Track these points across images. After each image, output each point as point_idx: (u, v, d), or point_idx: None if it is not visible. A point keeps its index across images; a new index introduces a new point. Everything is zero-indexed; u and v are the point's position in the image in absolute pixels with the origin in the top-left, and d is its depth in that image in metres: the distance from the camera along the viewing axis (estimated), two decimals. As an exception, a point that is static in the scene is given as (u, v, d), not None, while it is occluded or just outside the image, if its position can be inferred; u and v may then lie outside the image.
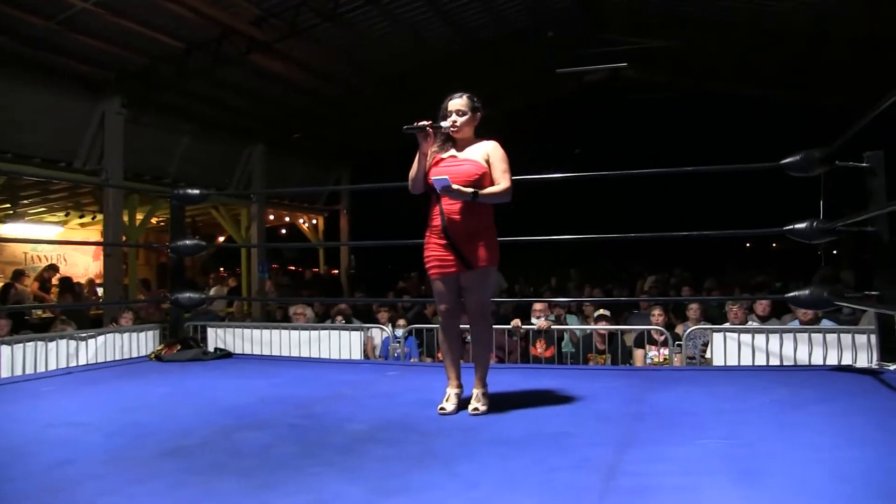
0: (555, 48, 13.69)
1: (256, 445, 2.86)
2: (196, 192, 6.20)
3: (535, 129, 18.16)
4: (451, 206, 3.42)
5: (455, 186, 3.31)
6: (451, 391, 3.54)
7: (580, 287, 14.03)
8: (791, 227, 4.57)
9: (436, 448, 2.76)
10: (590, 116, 18.32)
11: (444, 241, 3.45)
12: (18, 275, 14.61)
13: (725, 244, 18.36)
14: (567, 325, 7.63)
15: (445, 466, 2.49)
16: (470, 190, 3.33)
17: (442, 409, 3.43)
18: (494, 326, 6.86)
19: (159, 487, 2.32)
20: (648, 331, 6.67)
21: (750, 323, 6.85)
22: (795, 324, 6.42)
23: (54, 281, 13.51)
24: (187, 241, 6.10)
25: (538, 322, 6.79)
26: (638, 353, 6.72)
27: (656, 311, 7.03)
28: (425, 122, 3.45)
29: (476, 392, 3.50)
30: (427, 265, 3.55)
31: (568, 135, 18.78)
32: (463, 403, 3.48)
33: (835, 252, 15.66)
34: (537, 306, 7.01)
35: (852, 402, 3.53)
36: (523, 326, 6.86)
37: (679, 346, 6.39)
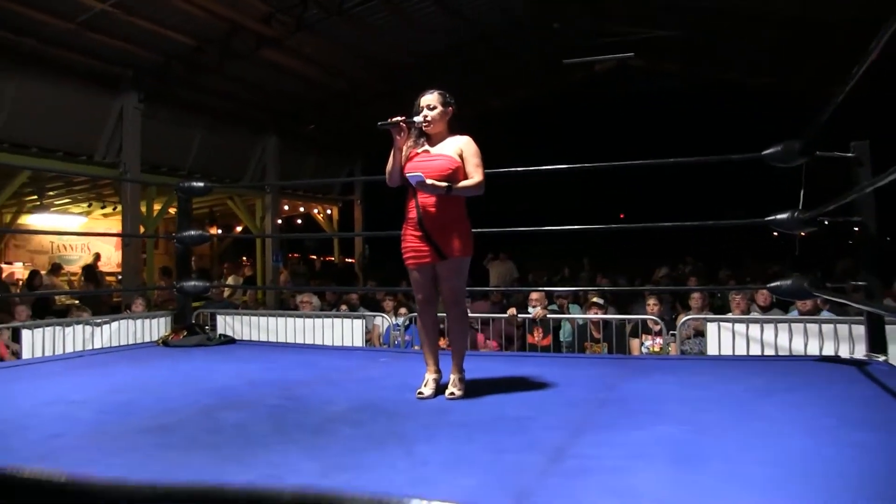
0: (560, 39, 13.74)
1: (233, 424, 3.01)
2: (200, 184, 6.37)
3: (540, 120, 18.21)
4: (426, 199, 3.54)
5: (429, 181, 3.42)
6: (430, 376, 3.68)
7: (592, 277, 14.08)
8: (772, 217, 4.64)
9: (401, 429, 2.89)
10: (597, 107, 18.28)
11: (419, 233, 3.58)
12: (57, 268, 15.09)
13: (744, 234, 18.24)
14: (570, 314, 7.73)
15: (403, 446, 2.62)
16: (444, 184, 3.45)
17: (420, 393, 3.57)
18: (497, 315, 7.06)
19: (135, 458, 2.48)
20: (644, 320, 6.75)
21: (752, 313, 6.90)
22: (795, 314, 6.47)
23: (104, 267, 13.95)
24: (192, 232, 6.28)
25: (534, 311, 6.90)
26: (634, 342, 6.80)
27: (651, 301, 7.10)
28: (399, 118, 3.57)
29: (453, 377, 3.64)
30: (404, 256, 3.69)
31: (574, 125, 18.76)
32: (441, 388, 3.61)
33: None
34: (534, 295, 7.11)
35: (821, 391, 3.60)
36: (520, 315, 6.97)
37: (673, 335, 6.46)
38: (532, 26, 13.46)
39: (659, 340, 6.58)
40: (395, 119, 3.57)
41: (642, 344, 6.74)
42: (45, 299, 10.67)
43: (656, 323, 6.63)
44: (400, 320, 7.46)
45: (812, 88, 14.33)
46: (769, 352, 5.42)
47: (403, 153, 3.65)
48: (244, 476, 2.26)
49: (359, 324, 6.83)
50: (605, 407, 3.31)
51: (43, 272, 13.67)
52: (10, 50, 10.45)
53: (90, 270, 13.61)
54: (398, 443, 2.68)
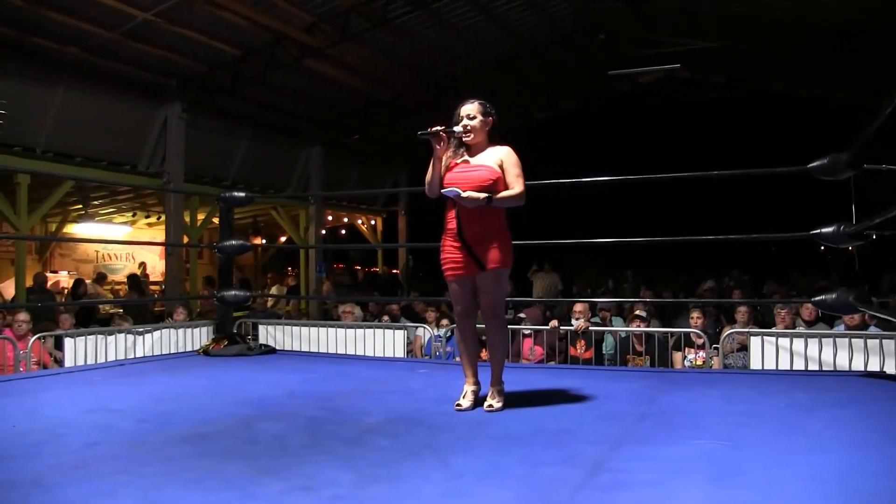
0: (606, 50, 13.67)
1: (270, 434, 3.04)
2: (242, 194, 6.44)
3: (584, 132, 18.10)
4: (465, 210, 3.52)
5: (466, 194, 3.42)
6: (468, 388, 3.66)
7: (635, 290, 13.93)
8: (818, 231, 4.54)
9: (437, 441, 2.89)
10: (642, 118, 18.10)
11: (458, 244, 3.57)
12: (102, 278, 15.45)
13: (790, 248, 17.88)
14: (613, 326, 7.66)
15: (439, 458, 2.62)
16: (483, 195, 3.43)
17: (458, 405, 3.55)
18: (540, 327, 7.02)
19: (170, 468, 2.51)
20: (688, 333, 6.65)
21: (798, 328, 6.77)
22: (842, 328, 6.33)
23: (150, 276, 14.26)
24: (233, 242, 6.35)
25: (576, 323, 6.85)
26: (676, 355, 6.70)
27: (694, 314, 7.00)
28: (439, 127, 3.57)
29: (492, 389, 3.61)
30: (443, 267, 3.68)
31: (618, 137, 18.59)
32: (480, 400, 3.59)
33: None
34: (577, 307, 7.05)
35: (866, 407, 3.52)
36: (563, 327, 6.92)
37: (716, 349, 6.36)
38: (578, 38, 13.40)
39: (702, 354, 6.48)
40: (434, 128, 3.58)
41: (685, 357, 6.64)
42: (89, 308, 10.90)
43: (699, 336, 6.53)
44: (441, 331, 7.45)
45: (859, 100, 14.05)
46: (813, 367, 5.30)
47: (443, 163, 3.65)
48: (278, 486, 2.27)
49: (400, 335, 6.83)
50: (644, 421, 3.27)
51: (88, 281, 13.99)
52: (55, 60, 10.69)
53: (134, 279, 13.87)
54: (434, 455, 2.68)
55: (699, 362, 6.51)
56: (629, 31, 13.20)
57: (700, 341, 6.54)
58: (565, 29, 13.10)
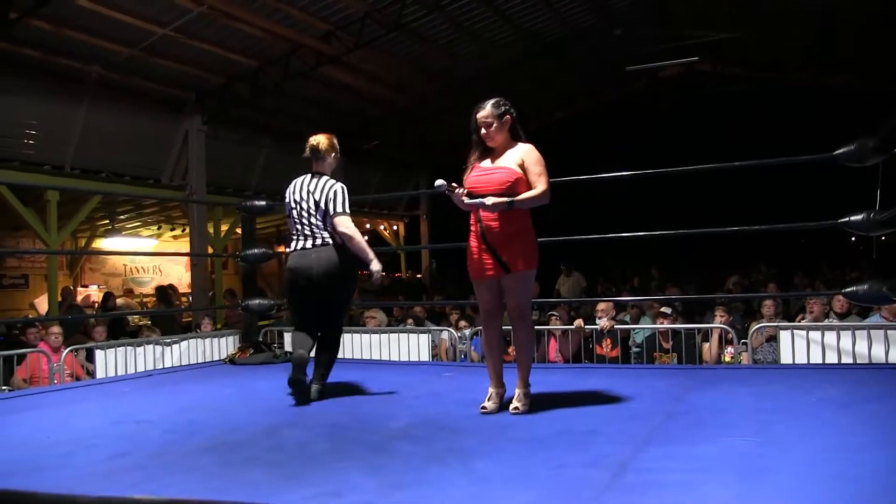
0: (623, 46, 13.57)
1: (295, 442, 3.04)
2: (262, 203, 6.48)
3: (604, 130, 17.95)
4: (487, 213, 3.50)
5: (490, 201, 3.40)
6: (493, 391, 3.63)
7: (661, 286, 13.78)
8: (846, 219, 4.45)
9: (462, 445, 2.86)
10: (662, 113, 17.91)
11: (482, 246, 3.54)
12: (130, 291, 15.67)
13: (819, 239, 17.59)
14: (639, 324, 7.57)
15: (464, 462, 2.59)
16: (504, 200, 3.41)
17: (483, 408, 3.53)
18: (565, 327, 6.96)
19: (195, 477, 2.53)
20: (715, 329, 6.55)
21: (828, 320, 6.65)
22: (876, 320, 6.20)
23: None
24: (256, 251, 6.38)
25: (601, 322, 6.79)
26: (705, 346, 6.60)
27: (719, 312, 6.89)
28: (443, 182, 3.53)
29: (517, 392, 3.58)
30: (468, 269, 3.66)
31: (638, 133, 18.39)
32: (506, 403, 3.56)
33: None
34: (600, 306, 6.99)
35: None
36: (588, 327, 6.87)
37: (744, 344, 6.26)
38: (594, 34, 13.31)
39: (730, 349, 6.38)
40: (438, 183, 3.56)
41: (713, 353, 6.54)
42: (118, 320, 11.02)
43: (727, 332, 6.44)
44: (466, 333, 7.42)
45: (886, 87, 13.82)
46: (846, 360, 5.18)
47: (470, 161, 3.66)
48: (303, 493, 2.26)
49: (425, 338, 6.81)
50: (672, 419, 3.21)
51: (119, 297, 14.18)
52: (78, 79, 10.86)
53: (163, 291, 13.99)
54: (458, 459, 2.65)
55: (727, 358, 6.42)
56: (646, 27, 13.08)
57: (728, 336, 6.46)
58: (580, 27, 13.01)
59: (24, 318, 12.27)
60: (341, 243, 4.22)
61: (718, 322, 6.71)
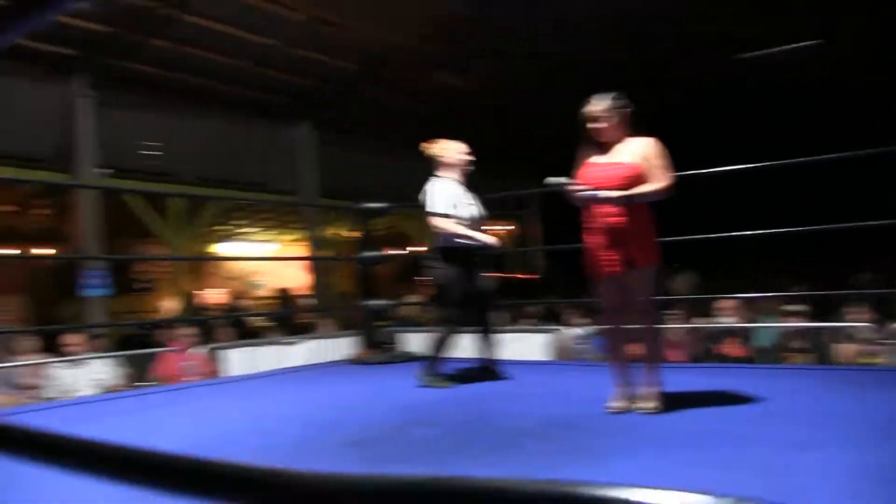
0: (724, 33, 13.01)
1: (423, 439, 3.10)
2: (377, 205, 6.55)
3: (702, 121, 17.26)
4: (605, 208, 3.45)
5: (602, 194, 3.37)
6: (620, 389, 3.56)
7: (785, 284, 13.21)
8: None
9: (590, 444, 2.84)
10: (775, 102, 17.07)
11: (603, 243, 3.50)
12: (248, 294, 16.41)
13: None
14: (766, 322, 7.29)
15: (599, 461, 2.57)
16: (617, 194, 3.36)
17: (610, 407, 3.48)
18: (686, 325, 6.78)
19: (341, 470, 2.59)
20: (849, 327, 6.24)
21: None
22: None
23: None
24: (372, 253, 6.49)
25: (726, 320, 6.58)
26: (839, 347, 6.29)
27: (857, 309, 6.53)
28: (556, 180, 3.54)
29: (646, 391, 3.50)
30: (589, 266, 3.62)
31: (744, 124, 17.57)
32: (632, 402, 3.50)
33: None
34: (722, 304, 6.78)
35: None
36: (708, 325, 6.68)
37: (883, 343, 5.92)
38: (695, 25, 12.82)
39: (867, 349, 6.06)
40: (551, 180, 3.58)
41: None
42: (240, 322, 11.50)
43: (868, 330, 6.11)
44: (584, 331, 7.34)
45: None
46: None
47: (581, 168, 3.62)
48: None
49: (544, 338, 6.77)
50: (814, 422, 3.07)
51: (238, 299, 14.82)
52: (195, 92, 11.46)
53: (284, 293, 14.50)
54: (593, 457, 2.63)
55: (863, 359, 6.09)
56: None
57: (863, 335, 6.13)
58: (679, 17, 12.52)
59: (156, 319, 12.99)
60: (443, 242, 4.35)
61: (857, 320, 6.36)
